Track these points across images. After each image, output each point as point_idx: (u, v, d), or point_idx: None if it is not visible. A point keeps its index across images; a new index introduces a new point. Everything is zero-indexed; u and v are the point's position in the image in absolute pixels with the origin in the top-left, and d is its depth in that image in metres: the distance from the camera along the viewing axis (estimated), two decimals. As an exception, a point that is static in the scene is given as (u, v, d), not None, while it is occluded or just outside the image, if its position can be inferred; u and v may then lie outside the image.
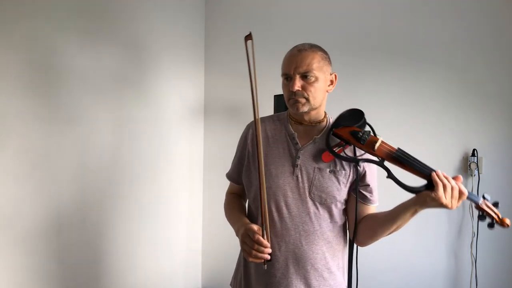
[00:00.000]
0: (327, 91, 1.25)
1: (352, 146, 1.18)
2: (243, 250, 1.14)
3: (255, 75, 1.15)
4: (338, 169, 1.19)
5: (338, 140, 1.17)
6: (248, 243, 1.10)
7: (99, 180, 1.97)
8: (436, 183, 0.98)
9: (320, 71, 1.19)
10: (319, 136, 1.24)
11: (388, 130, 2.25)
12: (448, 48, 2.20)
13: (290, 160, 1.22)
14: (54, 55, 1.72)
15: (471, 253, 2.14)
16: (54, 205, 1.73)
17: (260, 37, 2.73)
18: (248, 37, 1.18)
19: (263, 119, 1.33)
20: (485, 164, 2.14)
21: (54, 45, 1.71)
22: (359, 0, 2.39)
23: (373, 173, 1.24)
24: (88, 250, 1.91)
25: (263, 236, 1.09)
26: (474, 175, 2.14)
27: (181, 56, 2.61)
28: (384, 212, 1.16)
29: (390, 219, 1.10)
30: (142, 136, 2.24)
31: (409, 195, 1.08)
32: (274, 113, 2.37)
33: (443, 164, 2.21)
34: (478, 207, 1.06)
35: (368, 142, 1.10)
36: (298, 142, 1.23)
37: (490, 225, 1.05)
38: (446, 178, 0.99)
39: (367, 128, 1.17)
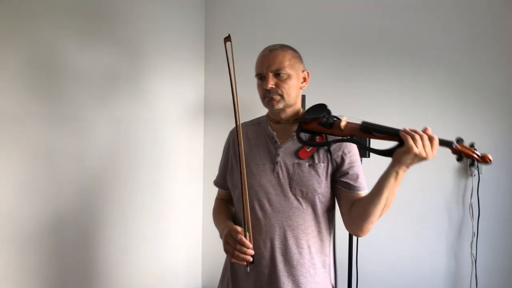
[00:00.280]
0: (300, 88, 1.30)
1: (324, 137, 1.23)
2: (225, 250, 1.17)
3: (234, 76, 1.21)
4: (316, 163, 1.22)
5: (310, 136, 1.23)
6: (231, 243, 1.13)
7: (99, 180, 1.97)
8: (405, 136, 1.01)
9: (292, 69, 1.23)
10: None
11: (388, 130, 2.25)
12: (448, 48, 2.20)
13: (270, 159, 1.26)
14: (53, 55, 1.72)
15: (471, 253, 2.14)
16: (52, 205, 1.73)
17: (260, 37, 2.73)
18: (227, 38, 1.23)
19: (244, 123, 1.40)
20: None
21: (53, 44, 1.71)
22: (359, 0, 2.39)
23: (353, 161, 1.24)
24: (87, 250, 1.91)
25: (245, 238, 1.12)
26: (474, 175, 2.14)
27: (181, 56, 2.60)
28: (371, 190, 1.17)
29: (377, 192, 1.09)
30: (141, 136, 2.24)
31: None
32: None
33: (443, 164, 2.21)
34: (454, 150, 1.03)
35: (335, 126, 1.15)
36: (277, 140, 1.27)
37: (471, 164, 1.03)
38: (414, 130, 1.02)
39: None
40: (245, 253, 1.11)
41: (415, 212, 2.25)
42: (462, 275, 2.17)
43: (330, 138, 1.21)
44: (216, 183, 1.50)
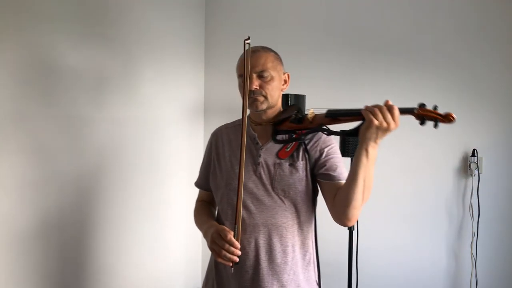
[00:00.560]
0: (281, 90, 1.32)
1: (300, 134, 1.25)
2: (212, 250, 1.17)
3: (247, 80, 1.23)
4: (296, 161, 1.25)
5: (286, 136, 1.25)
6: (219, 243, 1.13)
7: (98, 180, 1.97)
8: (365, 112, 1.03)
9: (275, 70, 1.26)
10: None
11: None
12: (448, 48, 2.21)
13: (252, 160, 1.28)
14: (52, 54, 1.72)
15: (471, 253, 2.14)
16: (51, 205, 1.73)
17: (260, 38, 2.73)
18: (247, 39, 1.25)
19: (226, 125, 1.44)
20: (485, 164, 2.14)
21: (53, 44, 1.71)
22: (359, 1, 2.39)
23: (330, 153, 1.26)
24: (86, 251, 1.91)
25: (234, 237, 1.13)
26: (474, 175, 2.14)
27: (181, 56, 2.60)
28: None
29: (353, 176, 1.09)
30: (141, 136, 2.24)
31: None
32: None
33: (443, 164, 2.21)
34: (416, 115, 1.03)
35: (305, 120, 1.19)
36: (259, 141, 1.29)
37: (435, 126, 1.02)
38: (374, 105, 1.03)
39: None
40: (232, 253, 1.12)
41: (415, 212, 2.25)
42: (462, 275, 2.17)
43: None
44: (198, 184, 1.51)
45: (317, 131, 1.19)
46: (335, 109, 1.16)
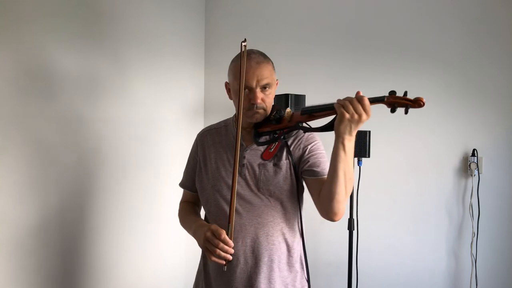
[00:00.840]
0: None
1: (282, 140, 1.28)
2: (205, 249, 1.17)
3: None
4: (280, 161, 1.26)
5: (268, 137, 1.27)
6: (213, 242, 1.13)
7: (97, 181, 1.97)
8: (336, 105, 1.05)
9: (273, 81, 1.28)
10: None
11: (388, 131, 2.25)
12: (448, 48, 2.21)
13: (238, 161, 1.28)
14: (52, 54, 1.72)
15: (471, 253, 2.14)
16: (50, 205, 1.73)
17: (260, 37, 2.73)
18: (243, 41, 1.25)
19: (211, 126, 1.46)
20: (485, 164, 2.14)
21: (52, 44, 1.71)
22: (359, 1, 2.39)
23: (312, 150, 1.27)
24: (85, 251, 1.91)
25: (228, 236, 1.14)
26: (474, 175, 2.14)
27: (181, 56, 2.60)
28: None
29: (333, 170, 1.10)
30: (141, 136, 2.24)
31: None
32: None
33: (443, 164, 2.21)
34: (386, 103, 1.04)
35: (284, 119, 1.22)
36: (243, 143, 1.30)
37: (406, 112, 1.03)
38: (345, 98, 1.06)
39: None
40: (226, 252, 1.13)
41: (415, 212, 2.25)
42: (462, 275, 2.17)
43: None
44: (183, 185, 1.50)
45: (296, 129, 1.21)
46: (309, 106, 1.19)
